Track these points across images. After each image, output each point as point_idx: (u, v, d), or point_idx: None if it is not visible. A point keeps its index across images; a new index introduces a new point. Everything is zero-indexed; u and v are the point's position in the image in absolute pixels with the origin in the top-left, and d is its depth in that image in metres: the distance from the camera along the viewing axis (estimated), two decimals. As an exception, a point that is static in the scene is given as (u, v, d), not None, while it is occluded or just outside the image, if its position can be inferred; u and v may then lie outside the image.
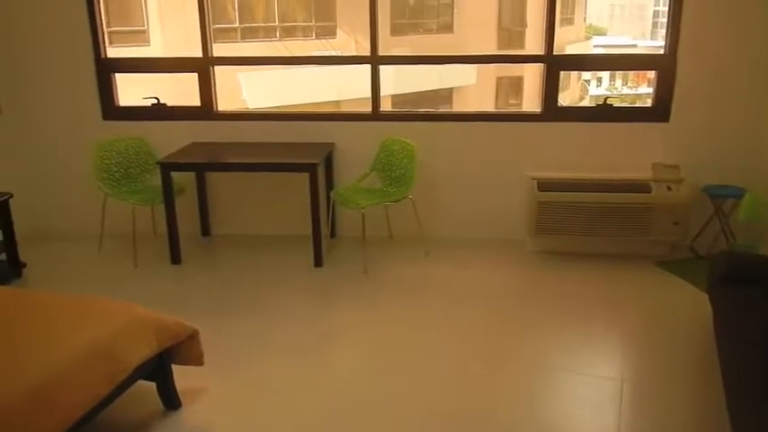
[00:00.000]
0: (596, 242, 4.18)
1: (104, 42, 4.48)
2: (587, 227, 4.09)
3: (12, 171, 4.47)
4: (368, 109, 4.43)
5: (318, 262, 4.05)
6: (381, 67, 4.32)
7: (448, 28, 12.84)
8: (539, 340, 3.16)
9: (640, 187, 4.04)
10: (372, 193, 4.18)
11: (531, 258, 4.18)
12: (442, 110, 9.70)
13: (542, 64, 4.23)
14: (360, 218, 4.10)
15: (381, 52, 4.31)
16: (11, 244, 3.89)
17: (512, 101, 12.95)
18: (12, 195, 3.90)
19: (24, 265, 4.00)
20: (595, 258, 4.13)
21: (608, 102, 4.27)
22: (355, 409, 2.63)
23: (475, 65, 9.67)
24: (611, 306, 3.51)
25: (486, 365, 2.94)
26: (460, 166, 4.41)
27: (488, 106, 12.90)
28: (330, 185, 4.44)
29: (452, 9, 12.79)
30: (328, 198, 4.39)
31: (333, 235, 4.56)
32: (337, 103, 10.46)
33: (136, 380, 2.45)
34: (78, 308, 2.48)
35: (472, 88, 12.37)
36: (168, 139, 4.42)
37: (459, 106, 12.52)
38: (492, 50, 12.26)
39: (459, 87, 12.47)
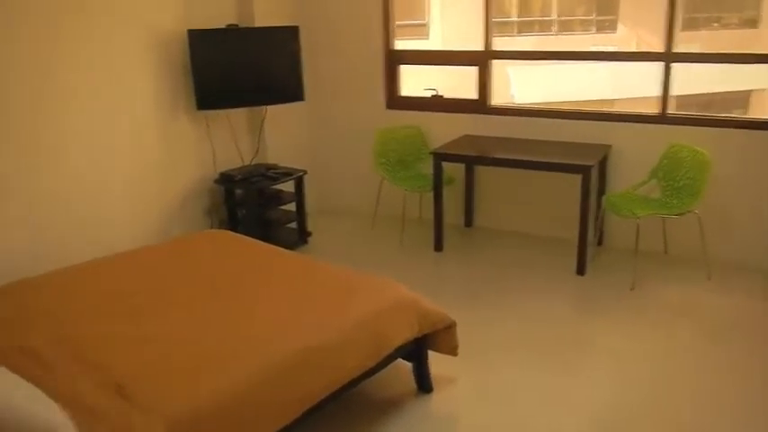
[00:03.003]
0: None
1: (394, 35, 4.78)
2: None
3: (308, 151, 5.04)
4: (650, 110, 4.06)
5: (581, 270, 3.84)
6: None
7: (751, 23, 11.23)
8: None
9: None
10: (649, 203, 3.82)
11: None
12: (749, 116, 8.46)
13: None
14: (632, 228, 3.79)
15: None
16: (301, 215, 4.41)
17: (828, 109, 10.85)
18: (306, 172, 4.40)
19: (310, 234, 4.49)
20: None
21: None
22: (611, 435, 2.43)
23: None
24: None
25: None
26: (764, 182, 3.81)
27: (797, 113, 11.00)
28: (602, 190, 4.17)
29: (760, 2, 11.14)
30: (599, 203, 4.13)
31: (599, 243, 4.29)
32: (611, 102, 9.84)
33: (395, 358, 2.58)
34: (358, 282, 2.69)
35: (776, 92, 10.64)
36: (442, 130, 4.56)
37: (757, 112, 10.89)
38: (809, 48, 10.39)
39: (759, 90, 10.84)
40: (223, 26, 4.23)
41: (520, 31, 11.24)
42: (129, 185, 3.90)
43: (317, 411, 2.24)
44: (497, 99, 4.60)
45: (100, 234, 3.72)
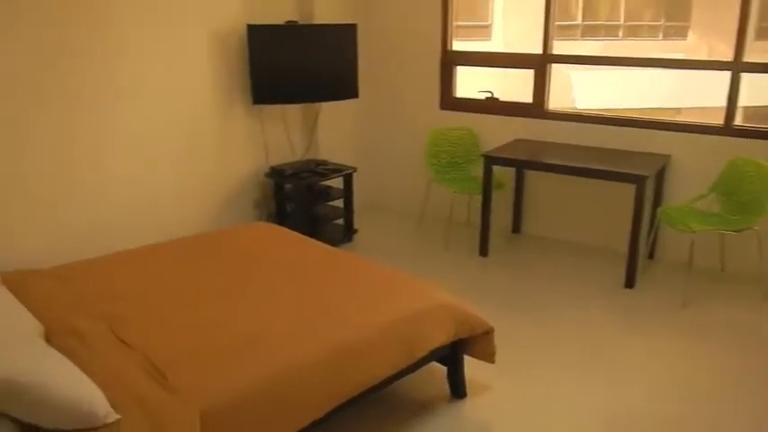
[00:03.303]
0: None
1: (451, 36, 4.75)
2: None
3: (359, 148, 5.07)
4: (716, 121, 3.89)
5: (630, 283, 3.72)
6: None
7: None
8: None
9: None
10: (707, 218, 3.66)
11: None
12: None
13: None
14: (686, 242, 3.64)
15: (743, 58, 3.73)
16: (349, 211, 4.43)
17: None
18: (355, 169, 4.42)
19: (356, 232, 4.51)
20: None
21: None
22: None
23: None
24: None
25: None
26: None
27: None
28: (657, 202, 4.03)
29: None
30: (653, 215, 3.99)
31: (651, 256, 4.15)
32: (677, 110, 9.49)
33: (430, 361, 2.57)
34: (396, 283, 2.69)
35: None
36: (495, 133, 4.51)
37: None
38: None
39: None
40: (282, 22, 4.30)
41: (584, 35, 10.97)
42: (183, 175, 4.01)
43: (348, 408, 2.24)
44: (557, 103, 4.50)
45: (152, 221, 3.84)
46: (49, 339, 2.14)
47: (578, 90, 10.23)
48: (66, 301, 2.48)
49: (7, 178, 3.19)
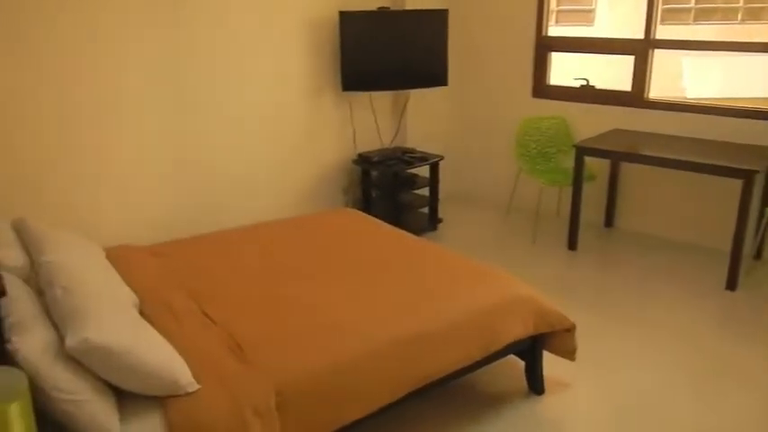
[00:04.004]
0: None
1: (547, 21, 4.58)
2: None
3: (447, 136, 5.02)
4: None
5: (732, 284, 3.47)
6: None
7: None
8: None
9: None
10: (825, 218, 3.35)
11: None
12: None
13: None
14: (800, 244, 3.35)
15: None
16: (434, 200, 4.41)
17: None
18: (442, 158, 4.39)
19: (440, 221, 4.49)
20: None
21: None
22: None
23: None
24: None
25: None
26: None
27: None
28: (767, 198, 3.73)
29: None
30: (761, 212, 3.70)
31: (758, 256, 3.85)
32: (799, 100, 8.71)
33: (507, 354, 2.52)
34: (476, 273, 2.65)
35: None
36: (590, 123, 4.33)
37: None
38: None
39: None
40: (374, 8, 4.31)
41: (696, 19, 10.28)
42: (274, 159, 4.13)
43: (421, 395, 2.24)
44: (665, 92, 4.24)
45: (244, 204, 4.00)
46: (142, 311, 2.28)
47: (690, 78, 9.60)
48: (160, 276, 2.63)
49: (132, 163, 3.44)
